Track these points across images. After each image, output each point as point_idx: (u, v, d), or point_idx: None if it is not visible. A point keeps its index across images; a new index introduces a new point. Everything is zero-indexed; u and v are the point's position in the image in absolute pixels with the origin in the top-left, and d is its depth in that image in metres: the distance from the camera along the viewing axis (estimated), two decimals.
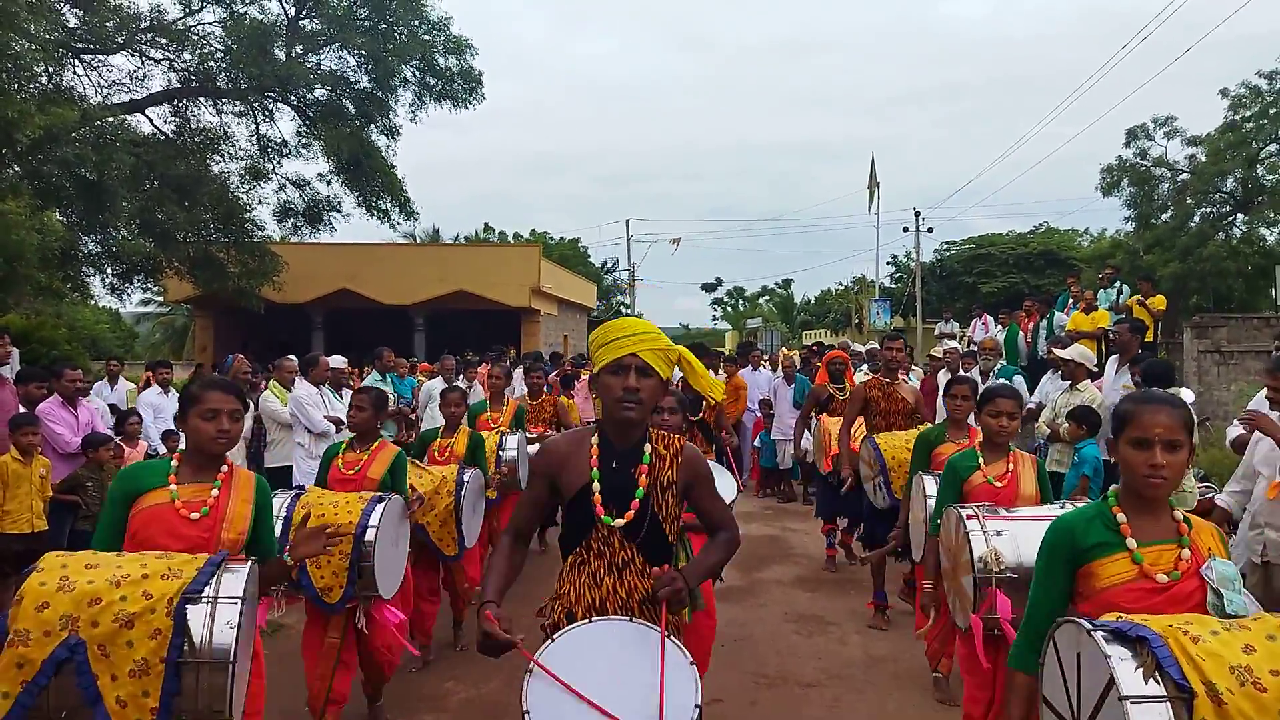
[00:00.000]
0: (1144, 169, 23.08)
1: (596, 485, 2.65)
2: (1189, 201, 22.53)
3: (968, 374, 8.24)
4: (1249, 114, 21.62)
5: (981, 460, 4.18)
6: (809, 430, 8.81)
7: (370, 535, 4.15)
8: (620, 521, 2.63)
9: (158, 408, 8.58)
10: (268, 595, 3.34)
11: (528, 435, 7.47)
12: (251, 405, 8.05)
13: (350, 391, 7.42)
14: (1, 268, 11.30)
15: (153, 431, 8.10)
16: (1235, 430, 5.38)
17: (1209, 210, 22.86)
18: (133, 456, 7.45)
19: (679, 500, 2.73)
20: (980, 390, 4.89)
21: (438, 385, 10.52)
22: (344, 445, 4.88)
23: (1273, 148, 21.85)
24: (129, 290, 18.50)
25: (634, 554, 2.66)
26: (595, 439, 2.72)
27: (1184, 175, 22.83)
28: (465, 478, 5.56)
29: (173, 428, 7.80)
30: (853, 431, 6.88)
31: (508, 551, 2.77)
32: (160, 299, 28.93)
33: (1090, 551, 2.32)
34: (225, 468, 3.09)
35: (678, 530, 2.80)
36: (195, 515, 2.95)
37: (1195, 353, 14.68)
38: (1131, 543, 2.29)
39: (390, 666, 4.67)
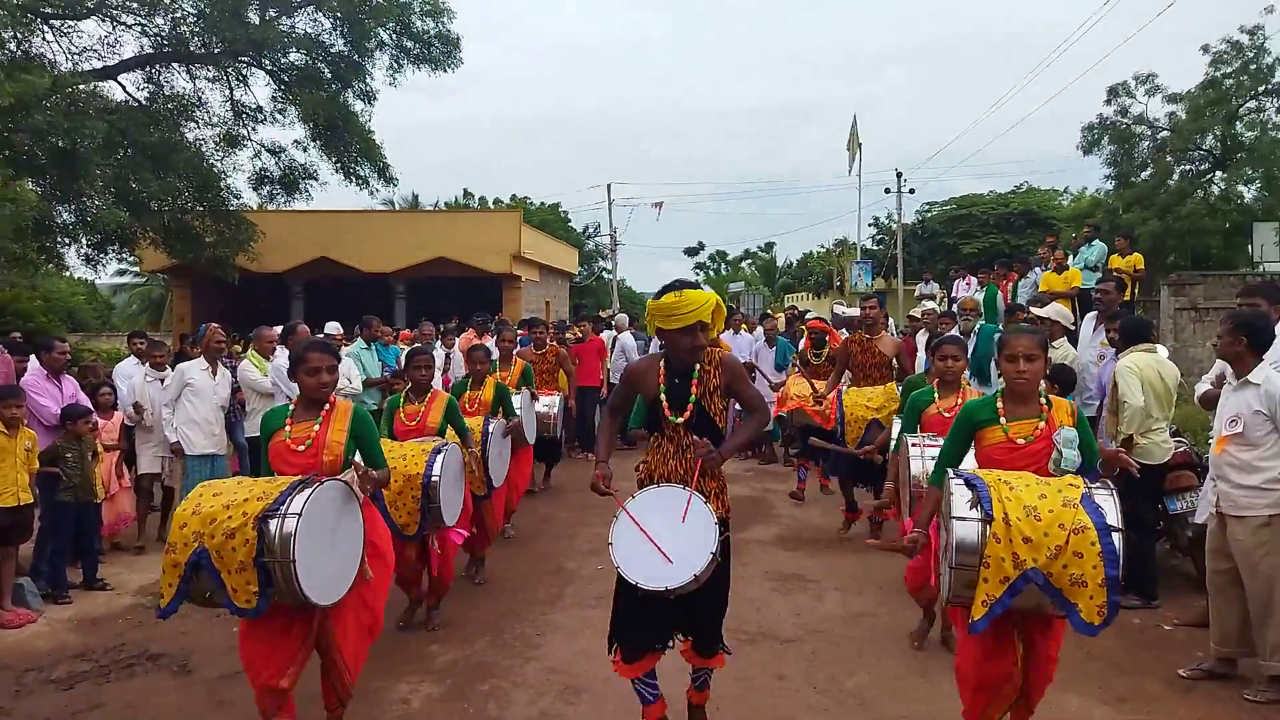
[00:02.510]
0: (1124, 127, 23.13)
1: (664, 397, 3.81)
2: (1168, 159, 22.61)
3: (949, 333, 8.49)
4: (1229, 70, 21.63)
5: (936, 396, 5.34)
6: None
7: (435, 481, 5.13)
8: (680, 420, 3.78)
9: (130, 376, 8.51)
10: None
11: (535, 394, 8.39)
12: (229, 375, 8.05)
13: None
14: None
15: (127, 401, 8.00)
16: (1203, 386, 5.49)
17: (1188, 168, 22.98)
18: (107, 428, 7.44)
19: (724, 398, 3.84)
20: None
21: None
22: (401, 398, 5.88)
23: (1252, 104, 21.92)
24: (104, 261, 18.31)
25: (693, 440, 3.75)
26: (662, 364, 3.86)
27: (1164, 133, 22.89)
28: (490, 428, 6.42)
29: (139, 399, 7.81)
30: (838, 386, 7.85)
31: (610, 424, 4.16)
32: (136, 269, 28.66)
33: (980, 424, 3.65)
34: (328, 406, 4.02)
35: (726, 418, 3.88)
36: (300, 448, 3.95)
37: (1172, 310, 14.83)
38: (1003, 420, 3.59)
39: (450, 576, 5.79)
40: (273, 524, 3.50)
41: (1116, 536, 3.11)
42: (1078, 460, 3.44)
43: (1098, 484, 3.34)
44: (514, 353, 8.70)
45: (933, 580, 4.19)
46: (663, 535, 3.52)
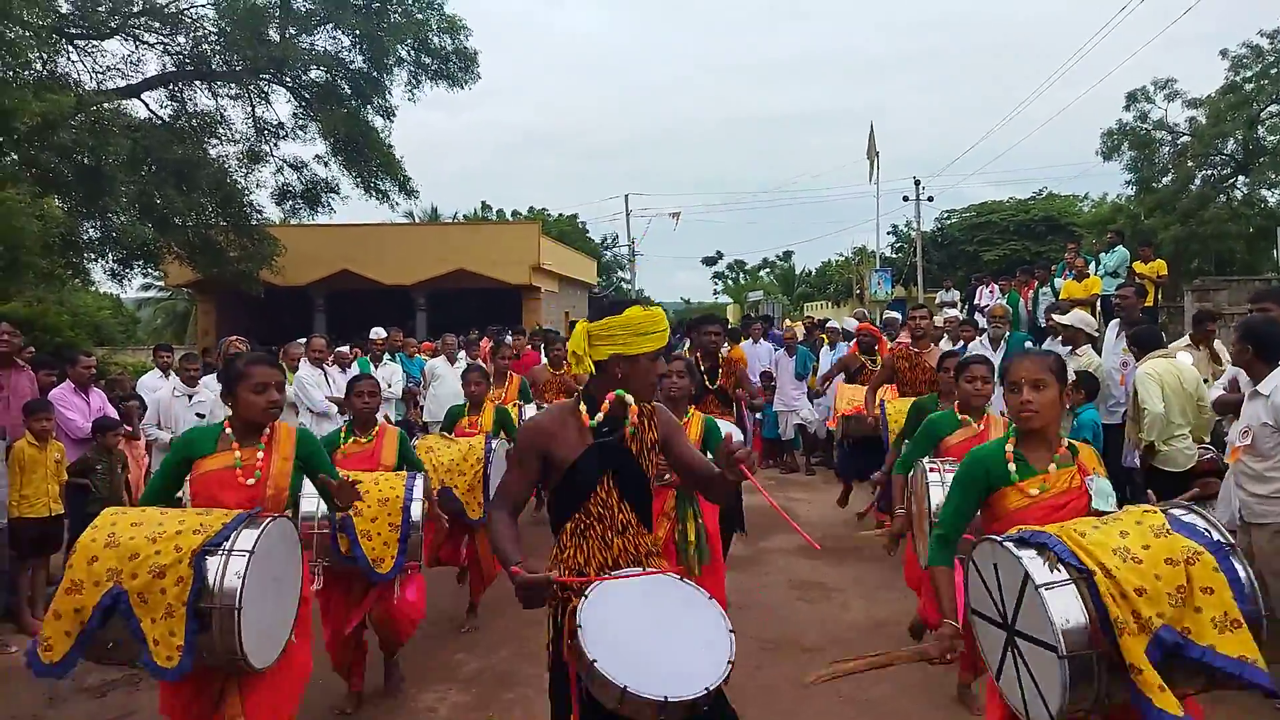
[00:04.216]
0: (1144, 132, 22.98)
1: (592, 451, 2.81)
2: (1189, 164, 22.44)
3: (960, 346, 8.46)
4: (1250, 74, 21.49)
5: (959, 416, 4.68)
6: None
7: (415, 510, 4.37)
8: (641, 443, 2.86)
9: (154, 390, 8.59)
10: (310, 571, 3.57)
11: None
12: None
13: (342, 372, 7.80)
14: (3, 256, 11.31)
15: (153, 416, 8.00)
16: (1215, 391, 5.45)
17: (1210, 173, 22.78)
18: (135, 443, 7.54)
19: (658, 456, 2.94)
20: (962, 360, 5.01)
21: (440, 364, 10.61)
22: (341, 435, 5.01)
23: (1274, 108, 21.73)
24: (129, 275, 18.46)
25: (629, 515, 2.84)
26: (583, 410, 2.86)
27: (1184, 138, 22.74)
28: (493, 445, 5.75)
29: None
30: (878, 397, 7.35)
31: (509, 521, 2.85)
32: (161, 284, 28.94)
33: (999, 480, 2.84)
34: (267, 430, 3.40)
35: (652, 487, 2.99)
36: (250, 480, 3.29)
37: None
38: (1012, 468, 2.83)
39: (411, 626, 4.77)
40: (213, 562, 2.88)
41: (1236, 561, 2.42)
42: (1113, 500, 2.81)
43: (1173, 506, 2.66)
44: (509, 371, 8.32)
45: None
46: (648, 638, 2.57)
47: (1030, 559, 2.44)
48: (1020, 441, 2.90)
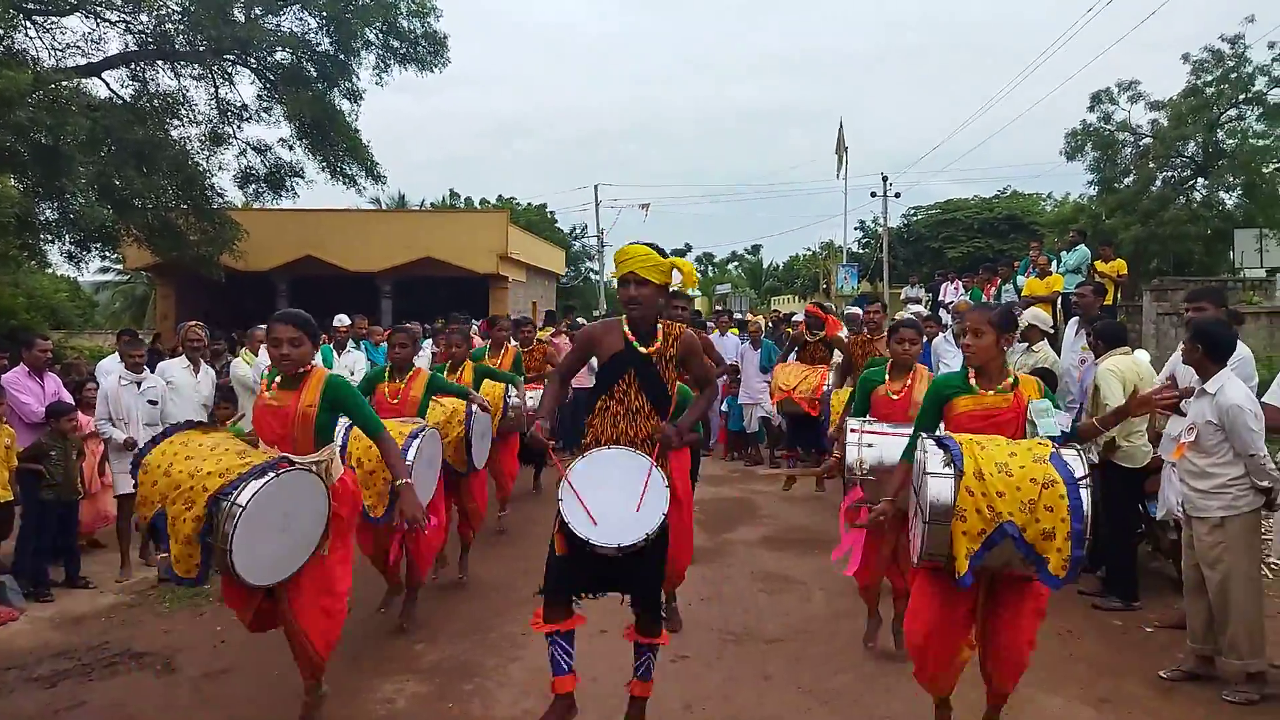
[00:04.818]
0: (1107, 133, 23.28)
1: (625, 347, 3.77)
2: (1151, 165, 22.78)
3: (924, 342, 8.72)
4: (1210, 78, 21.83)
5: (887, 378, 5.28)
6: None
7: (409, 465, 4.80)
8: (649, 350, 3.78)
9: (109, 373, 8.38)
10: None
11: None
12: (212, 374, 8.01)
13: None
14: None
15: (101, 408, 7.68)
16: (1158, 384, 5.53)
17: (1170, 174, 23.13)
18: (87, 425, 7.36)
19: (677, 369, 3.87)
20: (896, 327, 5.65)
21: None
22: (384, 373, 5.91)
23: (1233, 112, 22.12)
24: (87, 258, 18.11)
25: (644, 402, 3.76)
26: (626, 325, 3.81)
27: (1146, 139, 23.07)
28: (473, 409, 6.38)
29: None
30: (821, 384, 8.60)
31: (556, 387, 4.13)
32: (119, 267, 28.44)
33: (950, 394, 3.80)
34: (304, 375, 4.07)
35: (675, 386, 3.89)
36: (279, 416, 4.03)
37: (1154, 315, 14.94)
38: (974, 383, 3.76)
39: (426, 561, 5.83)
40: (222, 506, 3.59)
41: (1085, 492, 3.25)
42: (1056, 428, 3.58)
43: (1062, 443, 3.48)
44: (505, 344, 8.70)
45: (905, 552, 4.28)
46: (614, 495, 3.54)
47: (933, 452, 3.44)
48: (976, 373, 3.80)
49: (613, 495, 3.54)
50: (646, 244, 3.77)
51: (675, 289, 4.13)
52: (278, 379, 4.10)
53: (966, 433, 3.59)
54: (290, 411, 4.00)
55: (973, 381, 3.77)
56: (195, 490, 3.64)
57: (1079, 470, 3.29)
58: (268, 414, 4.06)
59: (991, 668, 3.69)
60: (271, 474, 3.70)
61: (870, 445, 4.86)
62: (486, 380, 7.23)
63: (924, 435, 3.59)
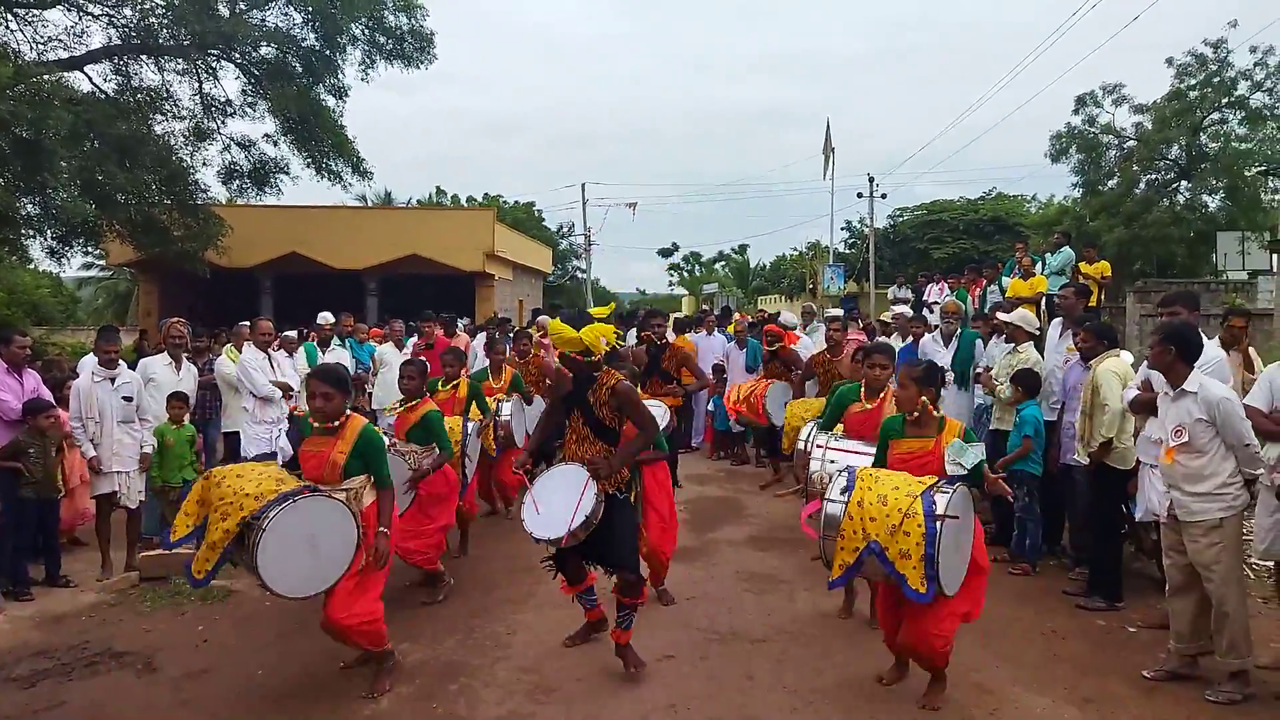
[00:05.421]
0: (1092, 136, 23.40)
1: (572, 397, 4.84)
2: (1135, 168, 22.91)
3: (909, 343, 8.90)
4: (1194, 82, 21.99)
5: (862, 395, 5.64)
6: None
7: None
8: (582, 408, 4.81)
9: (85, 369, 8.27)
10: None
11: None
12: (194, 371, 7.94)
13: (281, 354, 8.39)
14: None
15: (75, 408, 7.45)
16: (1131, 391, 5.54)
17: (1154, 177, 23.27)
18: (66, 422, 7.26)
19: (614, 410, 4.75)
20: (868, 349, 6.06)
21: (389, 350, 10.49)
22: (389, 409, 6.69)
23: (1216, 116, 22.28)
24: (69, 254, 17.92)
25: (589, 432, 4.79)
26: (571, 375, 4.82)
27: (1130, 142, 23.21)
28: (469, 430, 6.88)
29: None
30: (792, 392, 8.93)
31: (547, 420, 5.34)
32: (102, 263, 28.21)
33: (892, 436, 4.67)
34: (339, 424, 4.53)
35: (616, 421, 4.79)
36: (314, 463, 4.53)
37: (1137, 316, 15.01)
38: (904, 431, 4.64)
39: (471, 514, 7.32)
40: (251, 531, 4.10)
41: (939, 524, 3.99)
42: (960, 469, 4.34)
43: (950, 485, 4.21)
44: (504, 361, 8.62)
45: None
46: (559, 499, 4.60)
47: (837, 481, 4.38)
48: (909, 419, 4.64)
49: (559, 499, 4.60)
50: (565, 317, 4.87)
51: (618, 333, 5.13)
52: (315, 426, 4.59)
53: (900, 469, 4.47)
54: (324, 457, 4.49)
55: (906, 427, 4.62)
56: (233, 506, 4.14)
57: (941, 507, 4.05)
58: (308, 457, 4.57)
59: (901, 647, 4.53)
60: (291, 500, 4.20)
61: (833, 461, 5.32)
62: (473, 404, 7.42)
63: (850, 466, 4.56)
